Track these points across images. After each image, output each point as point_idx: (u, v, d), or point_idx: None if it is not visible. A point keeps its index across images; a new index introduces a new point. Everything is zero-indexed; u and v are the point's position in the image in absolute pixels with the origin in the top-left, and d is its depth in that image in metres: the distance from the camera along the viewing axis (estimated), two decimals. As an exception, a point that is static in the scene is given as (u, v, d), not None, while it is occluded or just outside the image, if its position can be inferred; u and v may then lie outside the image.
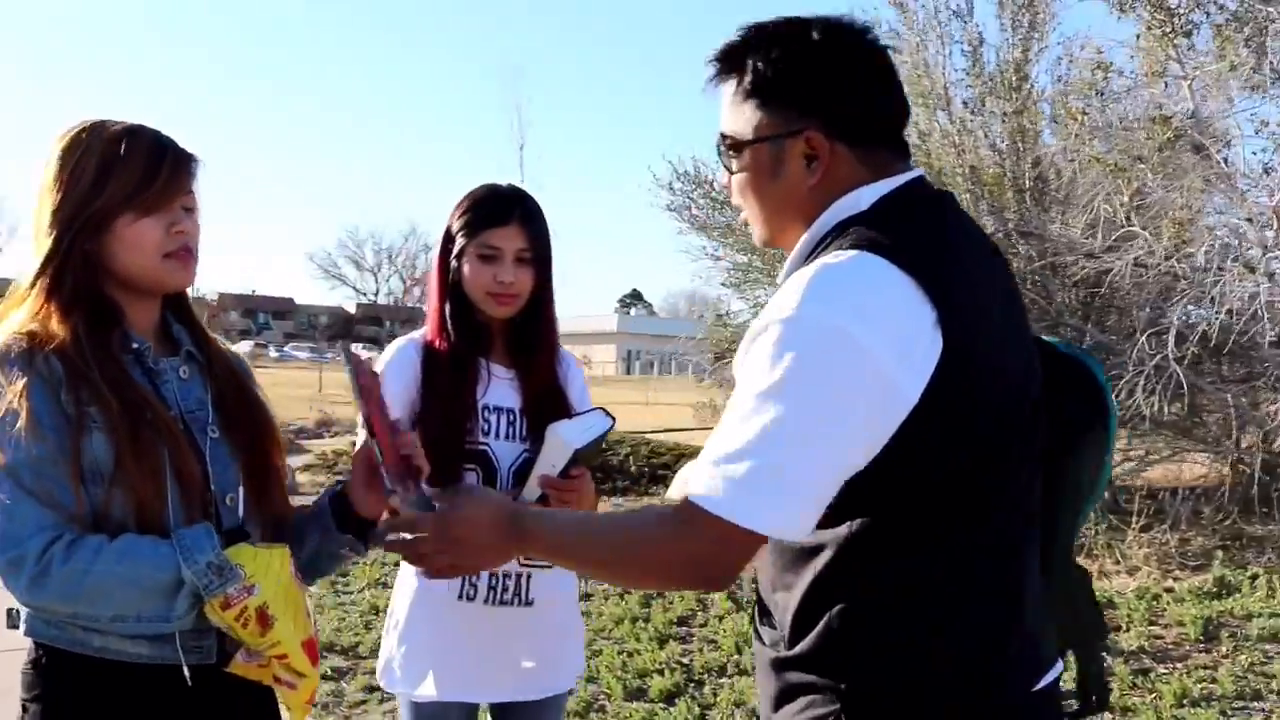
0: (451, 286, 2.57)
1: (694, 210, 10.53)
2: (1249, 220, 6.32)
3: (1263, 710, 5.04)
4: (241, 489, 1.92)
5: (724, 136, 1.64)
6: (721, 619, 6.55)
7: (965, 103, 8.93)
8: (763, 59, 1.57)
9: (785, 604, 1.54)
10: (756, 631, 1.65)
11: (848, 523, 1.45)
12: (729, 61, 1.62)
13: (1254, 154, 7.15)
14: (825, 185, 1.55)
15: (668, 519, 1.45)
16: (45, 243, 1.80)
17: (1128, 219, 7.61)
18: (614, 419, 2.42)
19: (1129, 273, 7.90)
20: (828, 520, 1.43)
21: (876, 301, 1.38)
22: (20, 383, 1.69)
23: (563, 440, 2.33)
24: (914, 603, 1.45)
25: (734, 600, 6.81)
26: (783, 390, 1.36)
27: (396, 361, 2.57)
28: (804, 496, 1.38)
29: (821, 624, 1.47)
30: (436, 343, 2.58)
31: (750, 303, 12.23)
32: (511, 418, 2.57)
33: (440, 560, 1.75)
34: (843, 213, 1.53)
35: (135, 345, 1.85)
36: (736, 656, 5.80)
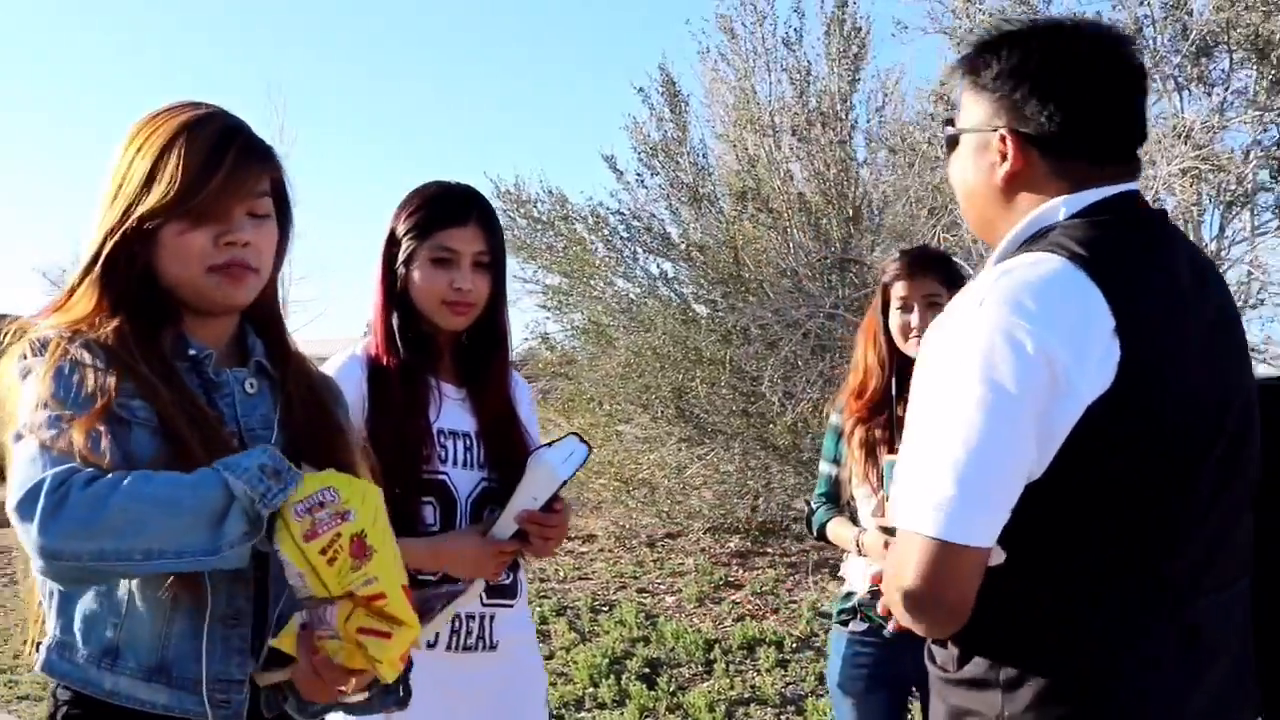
0: (398, 296, 2.20)
1: (515, 231, 10.18)
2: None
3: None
4: None
5: (947, 122, 1.70)
6: (569, 649, 6.22)
7: (793, 130, 8.93)
8: (985, 57, 1.60)
9: None
10: (929, 650, 1.63)
11: (1018, 540, 1.43)
12: (968, 55, 1.66)
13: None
14: (1016, 188, 1.58)
15: (900, 556, 1.41)
16: (94, 237, 1.59)
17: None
18: (590, 446, 2.13)
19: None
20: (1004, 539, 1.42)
21: (1056, 303, 1.40)
22: (54, 363, 1.48)
23: (552, 471, 2.13)
24: (1068, 636, 1.44)
25: (577, 631, 6.49)
26: (966, 393, 1.37)
27: (340, 381, 2.18)
28: (999, 503, 1.38)
29: (987, 647, 1.47)
30: (384, 359, 2.21)
31: (566, 327, 11.96)
32: (468, 442, 2.29)
33: None
34: (1040, 222, 1.54)
35: (192, 352, 1.60)
36: (591, 689, 5.50)
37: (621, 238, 9.68)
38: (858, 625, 2.89)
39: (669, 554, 8.71)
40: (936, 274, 2.87)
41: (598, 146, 18.38)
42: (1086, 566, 1.43)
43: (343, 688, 1.51)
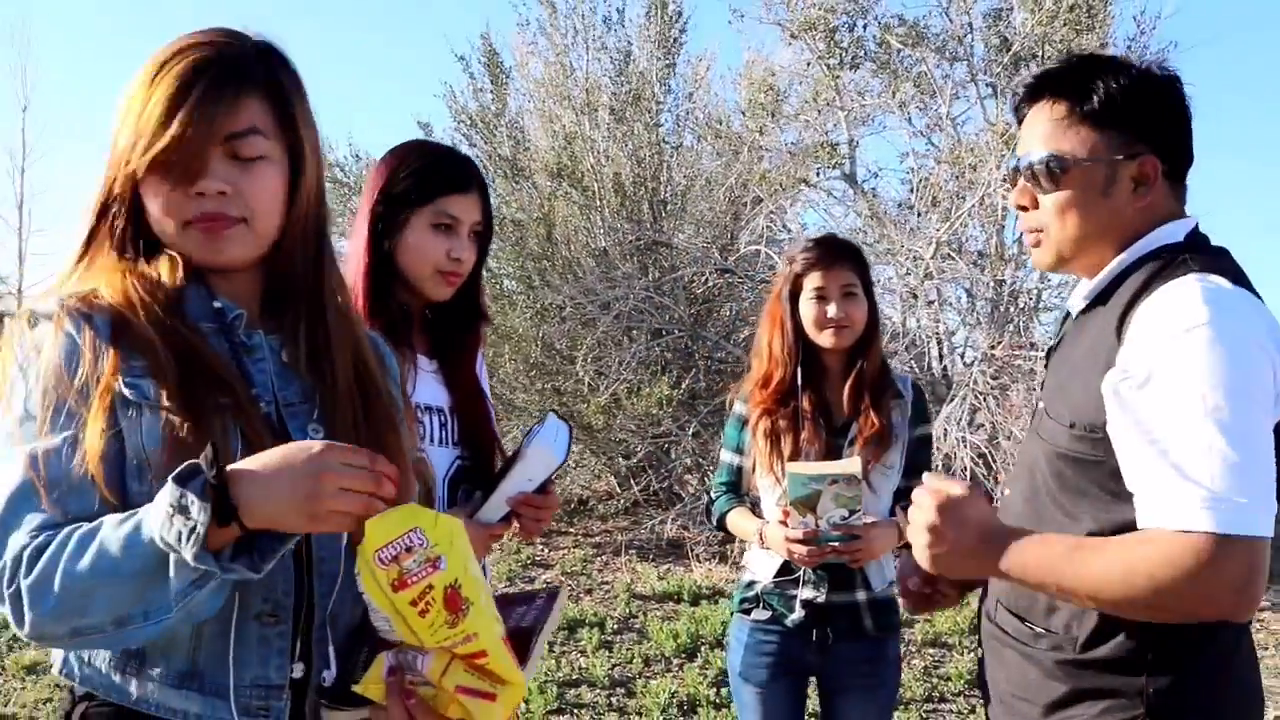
0: (380, 257, 2.03)
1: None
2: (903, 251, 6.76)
3: None
4: None
5: (1052, 156, 1.70)
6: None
7: (612, 110, 8.91)
8: (1107, 85, 1.67)
9: (1078, 607, 1.60)
10: (1004, 630, 1.74)
11: None
12: (1059, 84, 1.71)
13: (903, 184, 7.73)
14: (1148, 211, 1.69)
15: (1187, 559, 1.40)
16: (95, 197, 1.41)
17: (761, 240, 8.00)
18: (570, 424, 2.05)
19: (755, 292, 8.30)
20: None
21: (1258, 319, 1.54)
22: (49, 349, 1.31)
23: (550, 453, 2.06)
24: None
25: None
26: (1228, 394, 1.43)
27: None
28: (1274, 495, 1.46)
29: (1132, 628, 1.55)
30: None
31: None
32: (443, 418, 2.16)
33: (935, 547, 1.60)
34: (1160, 240, 1.67)
35: (219, 306, 1.42)
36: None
37: (432, 208, 9.39)
38: (760, 614, 2.88)
39: (472, 533, 8.55)
40: (851, 264, 2.88)
41: (412, 113, 17.85)
42: None
43: None
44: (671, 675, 5.57)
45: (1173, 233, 1.67)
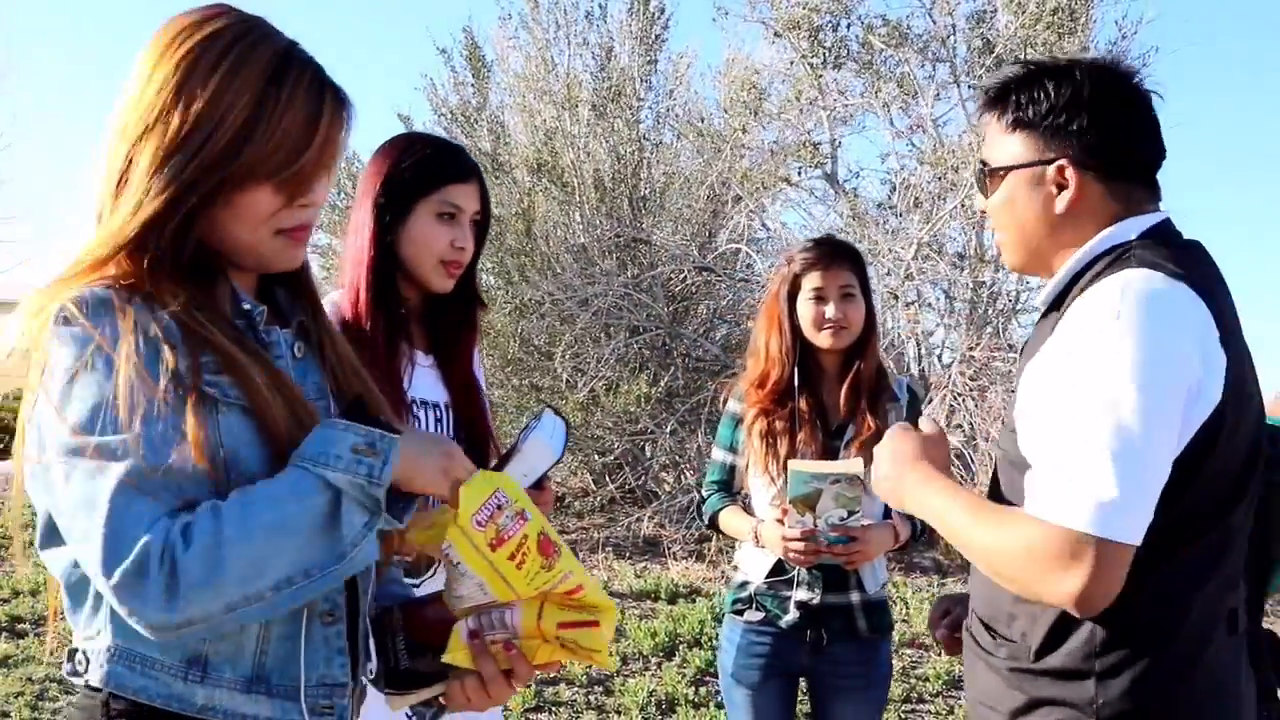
0: (384, 252, 2.00)
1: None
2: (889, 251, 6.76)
3: None
4: None
5: (983, 164, 1.75)
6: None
7: (594, 106, 8.88)
8: (1027, 94, 1.69)
9: (1034, 614, 1.58)
10: (975, 641, 1.72)
11: None
12: (998, 96, 1.73)
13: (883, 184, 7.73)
14: (1074, 214, 1.67)
15: (1053, 551, 1.42)
16: (142, 197, 1.26)
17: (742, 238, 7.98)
18: (566, 418, 2.02)
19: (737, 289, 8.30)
20: None
21: (1185, 313, 1.50)
22: (109, 335, 1.20)
23: (547, 447, 2.02)
24: (1169, 623, 1.53)
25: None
26: (1133, 388, 1.41)
27: None
28: (1151, 502, 1.43)
29: (1080, 637, 1.54)
30: (360, 320, 1.99)
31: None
32: (439, 413, 2.14)
33: (878, 470, 1.76)
34: (1111, 240, 1.64)
35: (247, 307, 1.38)
36: None
37: (412, 202, 9.33)
38: (753, 615, 2.87)
39: (447, 528, 8.50)
40: (850, 265, 2.87)
41: (393, 105, 17.74)
42: (1194, 557, 1.53)
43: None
44: (650, 674, 5.55)
45: (1124, 231, 1.64)
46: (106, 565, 1.14)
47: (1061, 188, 1.66)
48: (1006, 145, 1.72)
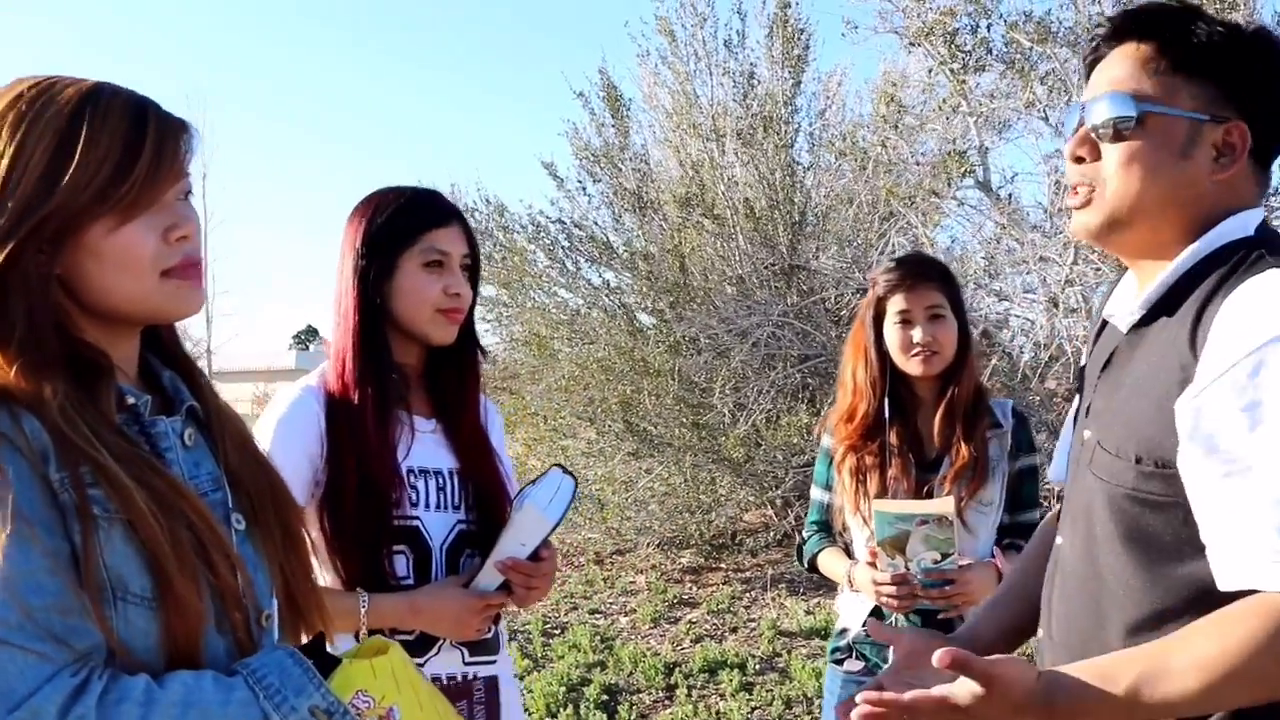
0: (371, 314, 1.96)
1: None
2: (1042, 259, 6.37)
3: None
4: (275, 601, 1.36)
5: (1128, 97, 1.41)
6: (522, 677, 5.93)
7: (739, 134, 8.75)
8: (1207, 31, 1.40)
9: None
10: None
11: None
12: (1151, 22, 1.43)
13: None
14: (1225, 189, 1.42)
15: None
16: None
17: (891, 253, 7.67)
18: (575, 478, 1.91)
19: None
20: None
21: None
22: None
23: (541, 516, 1.91)
24: None
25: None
26: None
27: (293, 418, 1.93)
28: None
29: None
30: (350, 391, 1.95)
31: (505, 339, 11.63)
32: (441, 481, 2.03)
33: None
34: (1231, 234, 1.41)
35: (131, 401, 1.27)
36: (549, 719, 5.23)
37: (563, 247, 9.46)
38: (853, 664, 2.68)
39: (619, 572, 8.47)
40: (937, 283, 2.66)
41: (536, 153, 18.16)
42: None
43: None
44: (811, 718, 5.32)
45: (1244, 224, 1.41)
46: None
47: (1222, 153, 1.40)
48: (1161, 81, 1.42)
